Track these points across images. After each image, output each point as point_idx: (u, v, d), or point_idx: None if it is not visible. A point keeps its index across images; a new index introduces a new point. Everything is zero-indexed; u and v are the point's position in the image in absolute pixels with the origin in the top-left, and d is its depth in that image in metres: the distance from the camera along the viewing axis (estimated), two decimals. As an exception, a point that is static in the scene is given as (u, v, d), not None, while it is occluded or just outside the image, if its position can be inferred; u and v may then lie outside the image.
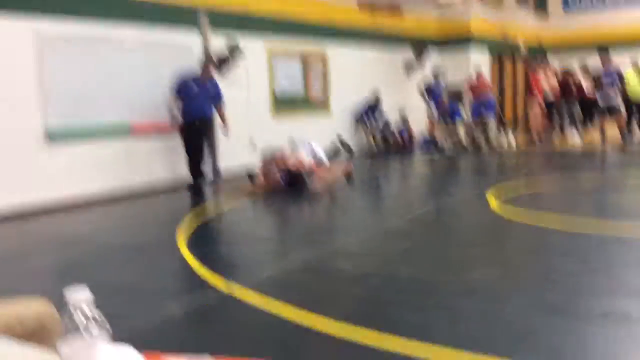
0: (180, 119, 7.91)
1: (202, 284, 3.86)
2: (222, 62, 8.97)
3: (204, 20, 8.77)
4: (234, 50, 8.91)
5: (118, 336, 1.43)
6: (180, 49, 8.62)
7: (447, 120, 12.71)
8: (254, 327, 3.11)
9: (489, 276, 3.75)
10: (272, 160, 7.87)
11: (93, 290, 1.36)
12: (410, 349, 2.65)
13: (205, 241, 5.34)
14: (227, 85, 9.29)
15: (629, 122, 12.02)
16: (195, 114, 7.92)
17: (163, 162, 8.42)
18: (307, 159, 7.93)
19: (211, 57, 8.71)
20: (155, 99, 8.18)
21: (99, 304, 1.31)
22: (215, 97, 8.18)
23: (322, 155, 8.32)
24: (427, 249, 4.67)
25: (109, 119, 7.71)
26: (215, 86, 8.21)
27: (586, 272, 3.73)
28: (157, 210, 7.25)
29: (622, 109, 11.84)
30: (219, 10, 9.22)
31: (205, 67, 8.18)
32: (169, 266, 4.45)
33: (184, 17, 8.70)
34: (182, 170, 8.57)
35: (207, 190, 8.08)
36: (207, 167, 8.22)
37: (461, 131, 12.55)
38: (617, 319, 2.89)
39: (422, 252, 4.56)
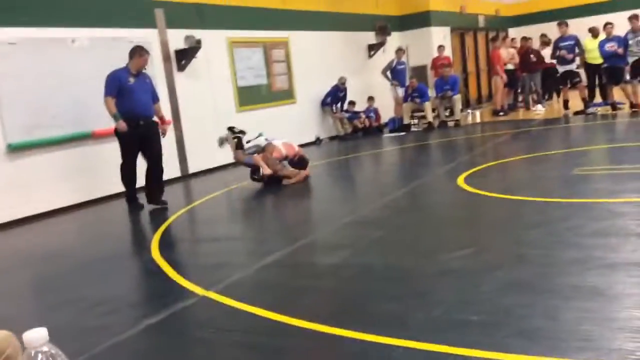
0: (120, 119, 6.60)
1: (177, 288, 3.84)
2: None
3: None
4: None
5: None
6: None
7: (415, 100, 12.76)
8: (232, 328, 3.11)
9: (462, 257, 3.79)
10: (266, 152, 7.72)
11: (68, 304, 1.34)
12: (388, 339, 2.68)
13: (177, 244, 5.30)
14: (191, 81, 9.21)
15: (590, 90, 12.23)
16: (139, 112, 6.69)
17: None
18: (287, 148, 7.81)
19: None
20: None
21: (75, 317, 1.29)
22: (154, 93, 7.03)
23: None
24: (400, 235, 4.70)
25: (68, 124, 7.51)
26: (151, 80, 7.08)
27: (554, 245, 3.80)
28: (125, 216, 7.16)
29: (583, 77, 12.02)
30: (176, 4, 9.07)
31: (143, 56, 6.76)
32: (144, 273, 4.41)
33: (140, 13, 8.54)
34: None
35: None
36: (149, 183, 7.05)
37: (428, 109, 12.63)
38: (587, 293, 2.96)
39: (395, 239, 4.60)
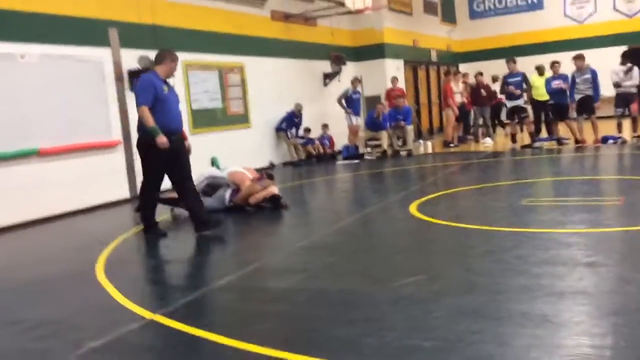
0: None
1: (123, 311, 3.70)
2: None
3: None
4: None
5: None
6: (90, 65, 8.29)
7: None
8: (179, 353, 3.00)
9: (414, 283, 3.80)
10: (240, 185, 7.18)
11: (5, 326, 1.26)
12: (340, 366, 2.64)
13: (124, 266, 5.13)
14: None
15: (536, 124, 12.65)
16: (175, 126, 5.90)
17: (76, 185, 8.03)
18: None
19: None
20: (67, 118, 7.83)
21: (13, 340, 1.21)
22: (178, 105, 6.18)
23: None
24: (353, 261, 4.69)
25: (12, 140, 7.24)
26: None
27: (503, 273, 3.86)
28: (75, 234, 6.93)
29: (530, 112, 12.43)
30: (131, 24, 8.96)
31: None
32: (88, 296, 4.24)
33: (93, 31, 8.39)
34: (96, 192, 8.25)
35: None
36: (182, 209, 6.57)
37: (384, 138, 12.82)
38: (536, 320, 3.00)
39: (348, 265, 4.58)
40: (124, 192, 8.76)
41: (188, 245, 5.98)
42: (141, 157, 5.92)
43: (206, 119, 10.51)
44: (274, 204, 7.13)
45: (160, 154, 5.66)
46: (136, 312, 3.64)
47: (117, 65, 8.75)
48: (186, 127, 9.99)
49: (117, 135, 8.68)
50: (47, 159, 7.64)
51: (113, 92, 8.66)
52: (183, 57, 9.90)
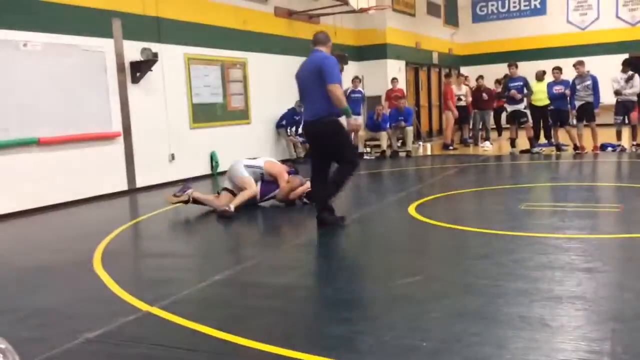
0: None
1: (119, 303, 3.69)
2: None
3: None
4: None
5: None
6: (92, 55, 8.26)
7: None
8: (175, 345, 2.99)
9: (412, 284, 3.80)
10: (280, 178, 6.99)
11: (8, 314, 1.26)
12: (337, 363, 2.64)
13: (121, 258, 5.11)
14: (144, 94, 9.06)
15: (536, 130, 12.66)
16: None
17: (75, 175, 8.01)
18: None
19: None
20: (67, 108, 7.81)
21: (8, 328, 1.21)
22: None
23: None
24: (351, 260, 4.69)
25: (13, 128, 7.22)
26: None
27: (502, 276, 3.86)
28: (72, 225, 6.91)
29: (529, 117, 12.42)
30: (135, 15, 8.94)
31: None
32: (85, 286, 4.23)
33: (96, 21, 8.36)
34: (95, 182, 8.24)
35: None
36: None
37: (384, 138, 12.82)
38: (534, 323, 3.00)
39: (346, 263, 4.58)
40: (122, 184, 8.74)
41: (186, 240, 5.97)
42: (323, 142, 5.65)
43: (206, 113, 10.49)
44: (308, 201, 6.87)
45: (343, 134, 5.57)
46: (133, 304, 3.63)
47: (120, 56, 8.72)
48: (186, 120, 10.03)
49: (117, 126, 8.66)
50: (47, 148, 7.61)
51: (114, 84, 8.63)
52: (186, 50, 9.93)
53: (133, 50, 8.80)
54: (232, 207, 6.48)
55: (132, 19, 8.89)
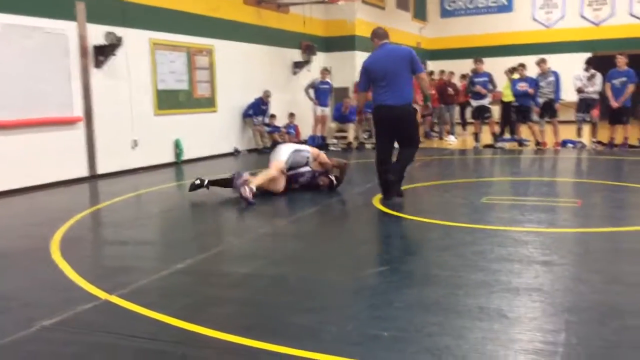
0: None
1: (77, 290, 3.62)
2: None
3: None
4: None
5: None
6: (54, 38, 8.04)
7: (341, 120, 12.95)
8: (134, 334, 2.94)
9: (375, 274, 3.83)
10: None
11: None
12: (300, 351, 2.63)
13: (80, 245, 5.01)
14: (108, 79, 8.87)
15: (503, 125, 12.86)
16: None
17: (34, 160, 7.81)
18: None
19: None
20: (27, 91, 7.59)
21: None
22: None
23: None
24: (314, 250, 4.68)
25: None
26: None
27: (462, 268, 3.91)
28: (31, 211, 6.74)
29: (493, 112, 12.59)
30: (98, -2, 8.74)
31: None
32: (42, 274, 4.13)
33: (59, 3, 8.14)
34: (55, 168, 8.05)
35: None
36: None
37: (351, 130, 12.85)
38: (492, 314, 3.05)
39: (309, 253, 4.57)
40: (83, 170, 8.57)
41: (147, 228, 5.88)
42: (403, 126, 6.20)
43: (171, 100, 10.33)
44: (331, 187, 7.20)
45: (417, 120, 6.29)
46: (91, 292, 3.57)
47: (83, 40, 8.51)
48: (150, 107, 9.86)
49: (78, 111, 8.46)
50: (5, 132, 7.39)
51: (77, 68, 8.43)
52: (151, 35, 9.76)
53: (97, 34, 8.60)
54: (253, 188, 6.48)
55: (96, 1, 8.68)
